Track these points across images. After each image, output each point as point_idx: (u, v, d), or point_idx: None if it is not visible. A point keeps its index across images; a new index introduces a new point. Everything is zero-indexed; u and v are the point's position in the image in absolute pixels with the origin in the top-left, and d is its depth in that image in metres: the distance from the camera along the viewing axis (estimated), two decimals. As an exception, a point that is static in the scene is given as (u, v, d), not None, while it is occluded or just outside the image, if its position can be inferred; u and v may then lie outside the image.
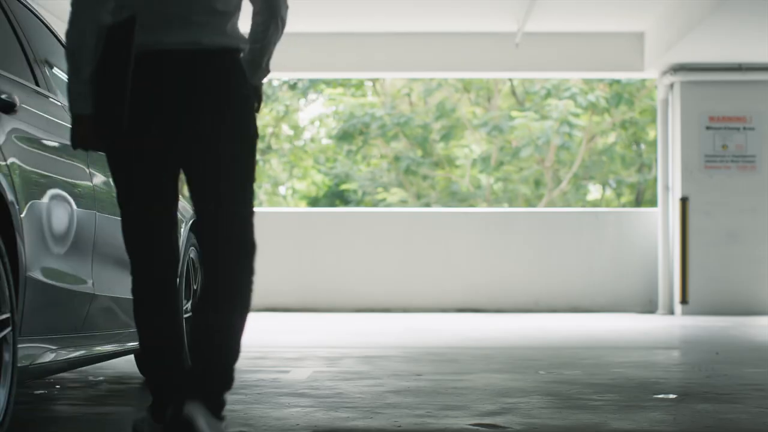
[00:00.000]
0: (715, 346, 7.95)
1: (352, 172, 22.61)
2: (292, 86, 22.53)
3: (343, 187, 22.68)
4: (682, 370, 6.17)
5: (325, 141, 23.55)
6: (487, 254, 13.36)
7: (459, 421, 4.02)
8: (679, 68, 12.72)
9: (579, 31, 13.11)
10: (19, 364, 3.41)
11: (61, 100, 4.17)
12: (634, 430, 3.83)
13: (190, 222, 5.51)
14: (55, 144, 3.86)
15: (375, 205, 21.64)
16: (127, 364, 6.08)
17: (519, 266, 13.32)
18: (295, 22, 14.18)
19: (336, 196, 23.10)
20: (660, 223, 13.14)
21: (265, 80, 3.49)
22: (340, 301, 13.21)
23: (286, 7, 3.48)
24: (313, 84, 22.24)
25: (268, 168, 24.06)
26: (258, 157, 24.66)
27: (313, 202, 23.54)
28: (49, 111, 3.92)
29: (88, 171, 4.12)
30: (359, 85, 22.21)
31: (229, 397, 4.68)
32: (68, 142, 3.99)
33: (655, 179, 16.81)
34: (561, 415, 4.17)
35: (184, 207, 5.52)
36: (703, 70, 12.74)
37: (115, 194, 4.10)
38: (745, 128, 12.85)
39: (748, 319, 11.67)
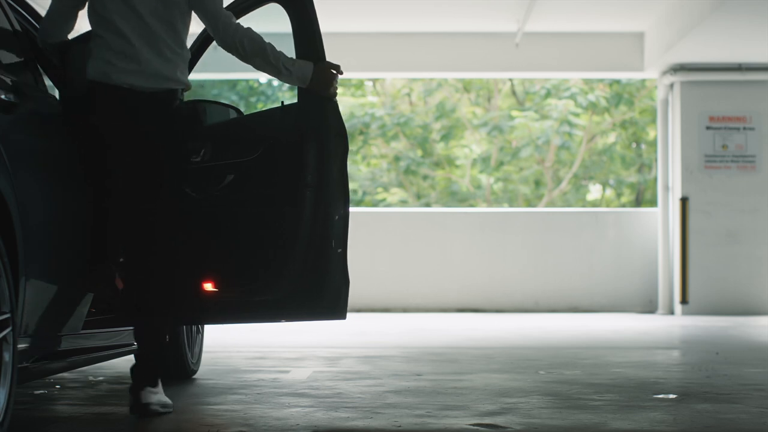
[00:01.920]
0: (715, 346, 7.95)
1: (352, 171, 22.61)
2: (292, 86, 22.54)
3: (343, 186, 22.65)
4: (682, 370, 6.18)
5: (325, 141, 23.52)
6: (487, 254, 13.36)
7: (459, 421, 4.02)
8: (679, 68, 12.72)
9: (579, 31, 13.11)
10: (19, 364, 3.41)
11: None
12: (634, 430, 3.82)
13: None
14: (55, 143, 3.85)
15: (375, 205, 21.64)
16: (128, 364, 6.07)
17: (519, 266, 13.32)
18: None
19: (336, 196, 23.06)
20: (660, 223, 13.15)
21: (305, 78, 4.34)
22: (340, 301, 13.19)
23: (231, 35, 4.16)
24: (313, 84, 22.21)
25: (268, 168, 24.01)
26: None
27: (313, 202, 23.50)
28: (49, 110, 3.91)
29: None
30: (359, 84, 22.21)
31: (229, 397, 4.69)
32: (66, 143, 4.00)
33: (655, 179, 16.81)
34: (561, 415, 4.16)
35: None
36: (703, 70, 12.74)
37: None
38: (745, 128, 12.85)
39: (748, 319, 11.67)
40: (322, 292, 4.27)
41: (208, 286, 4.31)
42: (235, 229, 4.33)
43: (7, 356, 3.29)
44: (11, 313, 3.31)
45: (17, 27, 4.02)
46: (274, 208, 4.31)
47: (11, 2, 4.18)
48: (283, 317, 4.44)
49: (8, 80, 3.59)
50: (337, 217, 4.27)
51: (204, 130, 4.53)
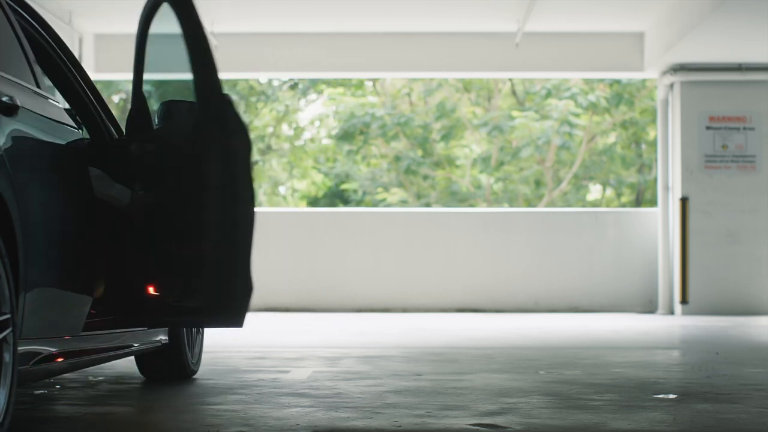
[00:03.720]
0: (715, 346, 7.95)
1: (352, 172, 22.61)
2: (293, 86, 22.54)
3: (343, 187, 22.70)
4: (682, 370, 6.17)
5: (325, 141, 23.56)
6: (487, 254, 13.36)
7: (459, 421, 4.02)
8: (679, 68, 12.72)
9: (579, 31, 13.11)
10: (20, 366, 3.41)
11: (61, 101, 4.16)
12: (634, 430, 3.82)
13: None
14: (56, 145, 3.86)
15: (375, 205, 21.64)
16: (128, 363, 6.08)
17: (519, 266, 13.32)
18: (295, 21, 14.27)
19: (336, 196, 23.11)
20: (660, 223, 13.15)
21: None
22: (340, 301, 13.21)
23: None
24: (314, 84, 22.24)
25: (268, 168, 24.06)
26: (258, 157, 24.37)
27: (313, 202, 23.55)
28: (50, 112, 3.92)
29: (88, 176, 4.13)
30: (359, 84, 22.21)
31: (229, 397, 4.69)
32: (68, 146, 4.00)
33: (655, 179, 16.81)
34: (561, 415, 4.16)
35: None
36: (703, 70, 12.74)
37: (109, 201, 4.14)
38: (745, 128, 12.85)
39: (748, 319, 11.67)
40: (222, 298, 4.13)
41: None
42: (138, 231, 4.30)
43: (7, 357, 3.30)
44: (11, 314, 3.31)
45: (18, 29, 4.03)
46: (176, 211, 4.25)
47: (11, 3, 4.17)
48: (182, 323, 4.36)
49: (9, 82, 3.59)
50: (240, 218, 4.14)
51: (153, 132, 4.54)
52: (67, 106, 4.37)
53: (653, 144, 20.61)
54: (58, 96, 4.23)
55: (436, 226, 13.60)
